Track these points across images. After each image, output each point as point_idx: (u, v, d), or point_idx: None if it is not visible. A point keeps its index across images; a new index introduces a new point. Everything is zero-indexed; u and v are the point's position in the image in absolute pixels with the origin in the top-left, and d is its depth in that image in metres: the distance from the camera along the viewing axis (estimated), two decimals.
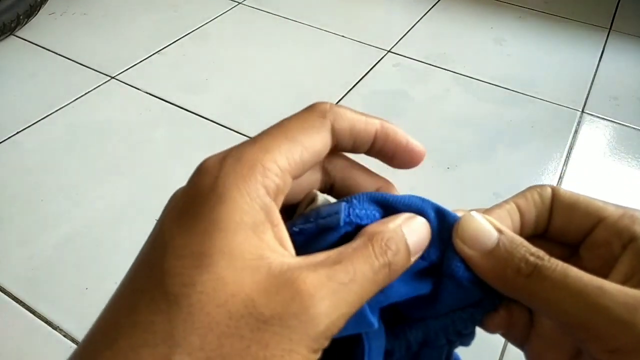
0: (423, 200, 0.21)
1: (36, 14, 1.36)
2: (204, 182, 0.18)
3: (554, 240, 0.22)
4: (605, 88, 1.25)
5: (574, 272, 0.18)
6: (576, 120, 1.16)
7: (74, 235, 0.87)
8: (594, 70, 1.31)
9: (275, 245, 0.18)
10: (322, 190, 0.22)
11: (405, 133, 0.22)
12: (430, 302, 0.21)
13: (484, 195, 0.97)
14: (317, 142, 0.19)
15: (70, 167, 0.99)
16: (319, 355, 0.17)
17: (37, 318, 0.75)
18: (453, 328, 0.21)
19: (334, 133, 0.20)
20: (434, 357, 0.21)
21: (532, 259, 0.19)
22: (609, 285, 0.18)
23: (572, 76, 1.29)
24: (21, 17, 1.31)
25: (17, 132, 1.06)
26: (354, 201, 0.20)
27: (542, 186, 0.22)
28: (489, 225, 0.20)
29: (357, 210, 0.19)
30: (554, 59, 1.35)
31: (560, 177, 1.01)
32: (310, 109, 0.20)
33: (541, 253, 0.19)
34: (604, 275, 0.19)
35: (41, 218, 0.89)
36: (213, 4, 1.51)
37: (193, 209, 0.17)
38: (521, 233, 0.22)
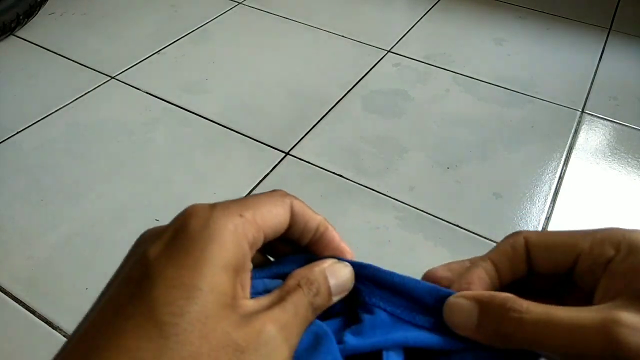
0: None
1: (36, 14, 1.36)
2: (195, 222, 0.20)
3: (544, 275, 0.25)
4: (605, 88, 1.25)
5: (554, 314, 0.20)
6: (576, 120, 1.16)
7: (74, 235, 0.87)
8: (594, 70, 1.31)
9: (243, 288, 0.21)
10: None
11: (339, 235, 0.25)
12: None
13: (484, 195, 0.97)
14: (281, 214, 0.23)
15: (70, 167, 0.99)
16: None
17: (37, 318, 0.75)
18: None
19: (291, 214, 0.24)
20: None
21: (512, 315, 0.21)
22: (586, 319, 0.20)
23: (572, 76, 1.29)
24: (21, 17, 1.31)
25: (17, 132, 1.06)
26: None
27: (514, 236, 0.25)
28: (466, 304, 0.23)
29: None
30: (554, 59, 1.35)
31: (560, 177, 1.01)
32: (273, 191, 0.24)
33: (517, 306, 0.21)
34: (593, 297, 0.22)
35: (41, 218, 0.89)
36: (213, 4, 1.51)
37: (183, 244, 0.19)
38: (501, 284, 0.25)
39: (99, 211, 0.91)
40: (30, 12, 1.33)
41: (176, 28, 1.40)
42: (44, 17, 1.41)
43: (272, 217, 0.22)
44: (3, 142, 1.04)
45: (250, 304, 0.20)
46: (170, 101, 1.16)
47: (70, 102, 1.15)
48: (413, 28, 1.45)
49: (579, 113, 1.18)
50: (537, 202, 0.96)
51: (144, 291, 0.18)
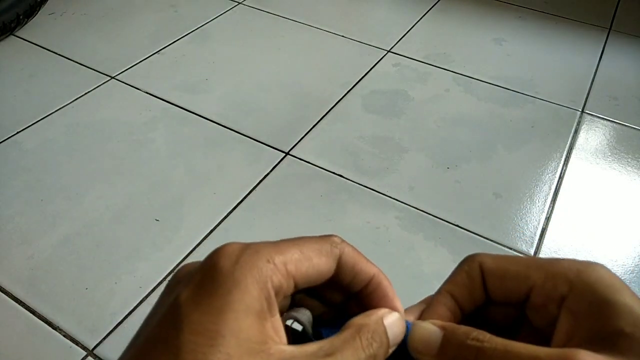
0: None
1: (36, 14, 1.36)
2: (224, 264, 0.20)
3: (500, 304, 0.24)
4: (605, 88, 1.25)
5: (514, 346, 0.20)
6: (576, 120, 1.16)
7: (74, 235, 0.87)
8: (594, 70, 1.31)
9: (273, 334, 0.20)
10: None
11: (393, 290, 0.24)
12: None
13: (484, 195, 0.97)
14: (323, 265, 0.22)
15: (70, 167, 0.99)
16: None
17: (37, 318, 0.75)
18: None
19: (338, 264, 0.23)
20: None
21: (472, 343, 0.21)
22: (543, 353, 0.20)
23: (572, 76, 1.29)
24: (21, 17, 1.31)
25: (17, 132, 1.06)
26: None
27: (469, 262, 0.24)
28: (432, 328, 0.23)
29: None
30: (554, 59, 1.35)
31: (560, 177, 1.01)
32: (326, 237, 0.23)
33: (481, 336, 0.21)
34: (550, 333, 0.22)
35: (41, 218, 0.89)
36: (213, 4, 1.51)
37: (211, 287, 0.20)
38: (463, 313, 0.25)
39: (99, 211, 0.91)
40: (30, 12, 1.33)
41: (176, 28, 1.40)
42: (44, 17, 1.41)
43: (308, 267, 0.21)
44: (3, 142, 1.04)
45: (289, 350, 0.19)
46: (170, 101, 1.16)
47: (70, 102, 1.15)
48: (413, 28, 1.45)
49: (579, 113, 1.18)
50: (537, 202, 0.96)
51: (172, 336, 0.19)
